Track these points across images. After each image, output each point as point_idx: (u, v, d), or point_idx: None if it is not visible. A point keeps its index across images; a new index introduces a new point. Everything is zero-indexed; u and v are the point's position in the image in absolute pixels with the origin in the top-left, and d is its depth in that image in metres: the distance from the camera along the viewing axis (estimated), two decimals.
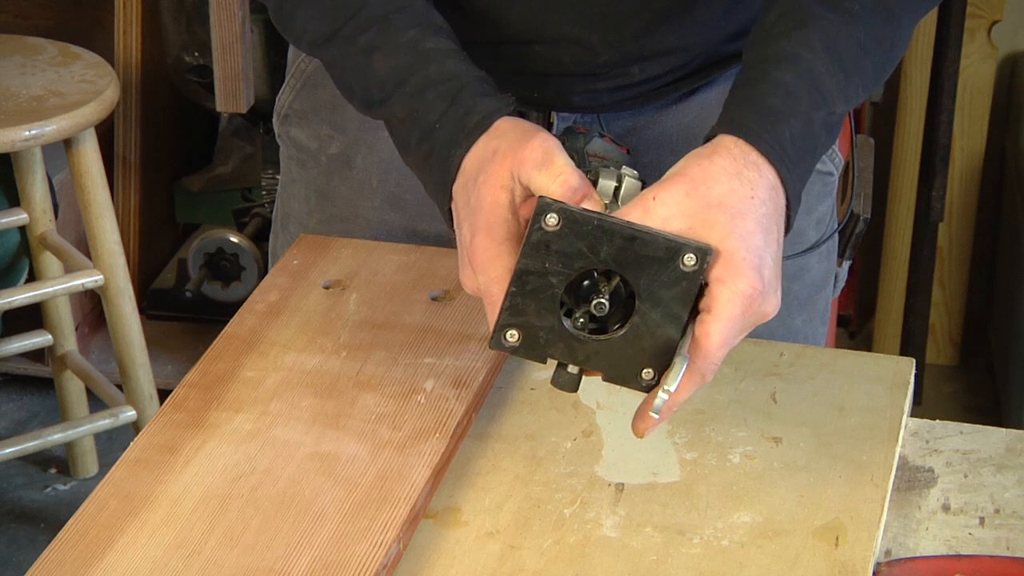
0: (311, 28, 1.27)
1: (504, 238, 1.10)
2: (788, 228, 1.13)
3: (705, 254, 1.05)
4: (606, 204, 1.10)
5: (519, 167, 1.11)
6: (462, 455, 1.18)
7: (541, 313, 1.07)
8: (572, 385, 1.10)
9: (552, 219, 1.04)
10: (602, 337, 1.08)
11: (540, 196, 1.05)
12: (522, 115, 1.19)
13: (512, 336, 1.08)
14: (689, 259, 1.05)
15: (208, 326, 3.06)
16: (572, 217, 1.04)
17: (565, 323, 1.07)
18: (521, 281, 1.06)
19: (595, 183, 1.12)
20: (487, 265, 1.10)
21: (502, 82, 1.23)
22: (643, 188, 1.11)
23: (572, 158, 1.14)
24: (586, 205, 1.08)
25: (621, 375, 1.09)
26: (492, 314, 1.10)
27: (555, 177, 1.08)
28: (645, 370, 1.08)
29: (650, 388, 1.09)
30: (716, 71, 1.36)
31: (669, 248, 1.05)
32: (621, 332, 1.07)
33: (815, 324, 1.48)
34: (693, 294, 1.06)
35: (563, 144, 1.16)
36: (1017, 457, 1.20)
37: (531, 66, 1.33)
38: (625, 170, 1.14)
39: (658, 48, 1.31)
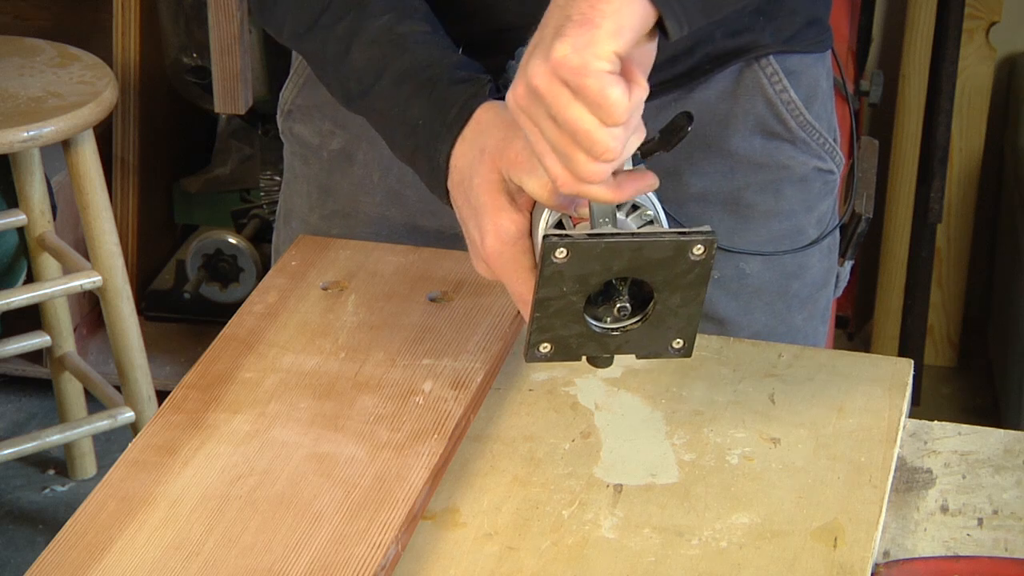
0: (291, 18, 1.28)
1: (515, 238, 1.13)
2: (667, 32, 1.05)
3: (712, 242, 1.06)
4: None
5: (508, 169, 1.13)
6: (460, 456, 1.18)
7: (568, 325, 1.10)
8: (607, 363, 1.14)
9: (561, 253, 1.06)
10: (629, 327, 1.11)
11: (544, 236, 1.07)
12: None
13: (545, 347, 1.11)
14: (698, 250, 1.07)
15: (206, 327, 3.06)
16: (580, 247, 1.06)
17: (592, 325, 1.10)
18: (543, 307, 1.09)
19: None
20: (506, 269, 1.13)
21: (506, 71, 1.24)
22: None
23: None
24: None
25: (653, 351, 1.12)
26: (522, 309, 1.13)
27: (545, 185, 1.10)
28: (675, 341, 1.12)
29: (682, 354, 1.12)
30: (715, 67, 1.35)
31: (677, 247, 1.07)
32: (646, 320, 1.10)
33: (815, 323, 1.48)
34: (707, 275, 1.08)
35: None
36: (1015, 458, 1.20)
37: None
38: None
39: None
